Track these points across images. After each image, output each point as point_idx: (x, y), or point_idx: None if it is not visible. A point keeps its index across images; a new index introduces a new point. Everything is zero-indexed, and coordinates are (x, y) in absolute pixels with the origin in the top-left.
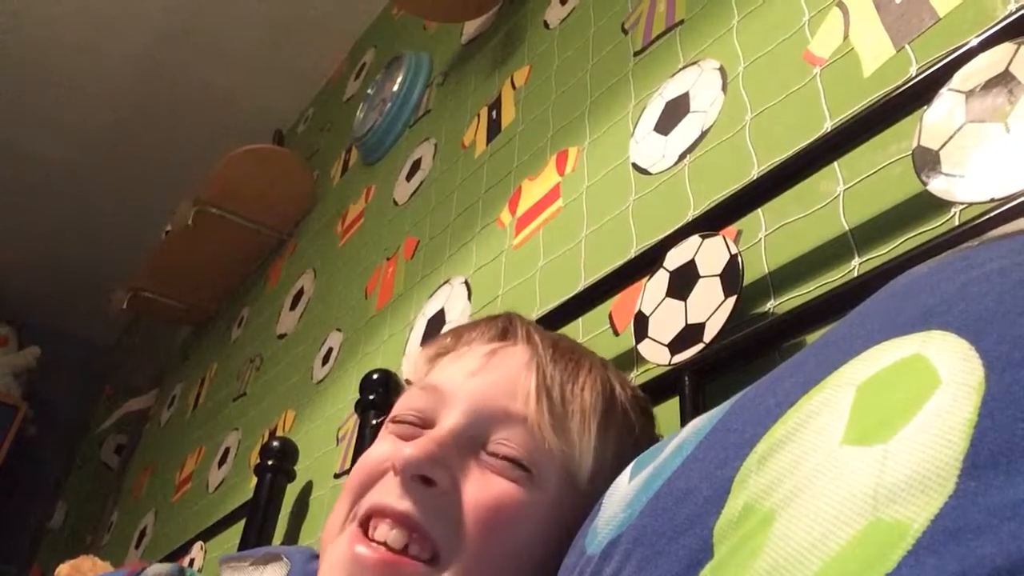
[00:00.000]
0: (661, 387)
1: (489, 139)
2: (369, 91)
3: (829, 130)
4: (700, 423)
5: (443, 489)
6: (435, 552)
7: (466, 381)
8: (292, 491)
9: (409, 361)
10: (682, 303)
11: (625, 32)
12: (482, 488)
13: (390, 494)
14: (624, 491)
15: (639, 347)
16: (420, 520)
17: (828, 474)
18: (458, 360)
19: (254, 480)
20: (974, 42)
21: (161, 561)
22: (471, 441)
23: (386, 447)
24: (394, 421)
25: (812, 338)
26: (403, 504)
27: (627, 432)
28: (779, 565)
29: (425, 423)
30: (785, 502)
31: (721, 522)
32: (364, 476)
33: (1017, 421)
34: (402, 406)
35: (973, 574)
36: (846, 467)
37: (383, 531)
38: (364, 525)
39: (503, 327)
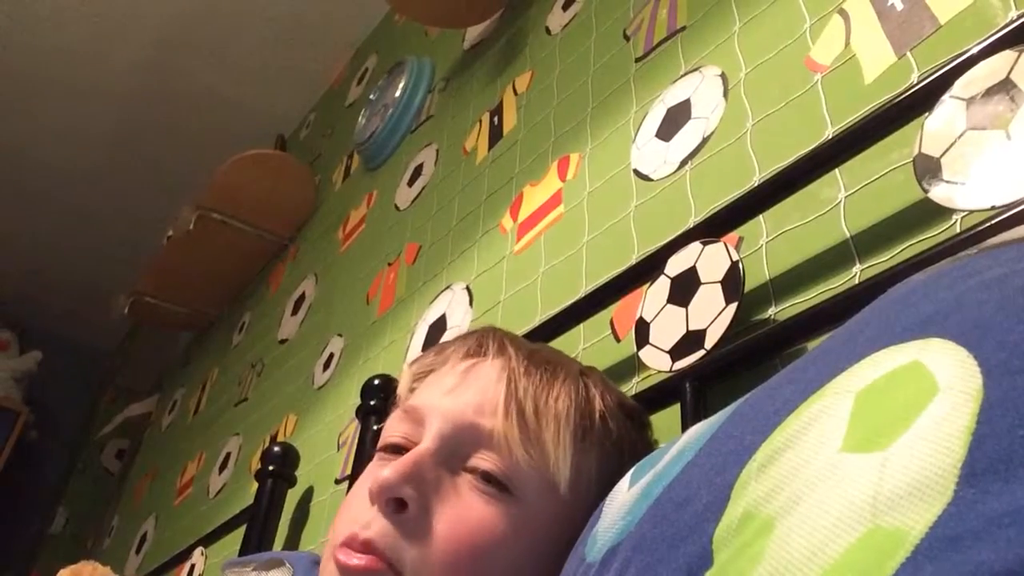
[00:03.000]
0: (662, 394)
1: (491, 145)
2: (371, 97)
3: (830, 137)
4: (700, 430)
5: (414, 514)
6: (398, 573)
7: (440, 400)
8: (293, 496)
9: (401, 377)
10: (683, 310)
11: (627, 38)
12: (456, 509)
13: (358, 523)
14: (624, 498)
15: (640, 354)
16: (383, 548)
17: (827, 481)
18: (437, 379)
19: (255, 485)
20: (975, 49)
21: (162, 566)
22: (448, 458)
23: (371, 472)
24: (383, 447)
25: (813, 345)
26: (367, 532)
27: (607, 438)
28: (778, 572)
29: (410, 444)
30: (784, 509)
31: (720, 529)
32: (351, 503)
33: (1015, 428)
34: (388, 430)
35: None
36: (845, 474)
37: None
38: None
39: (479, 341)
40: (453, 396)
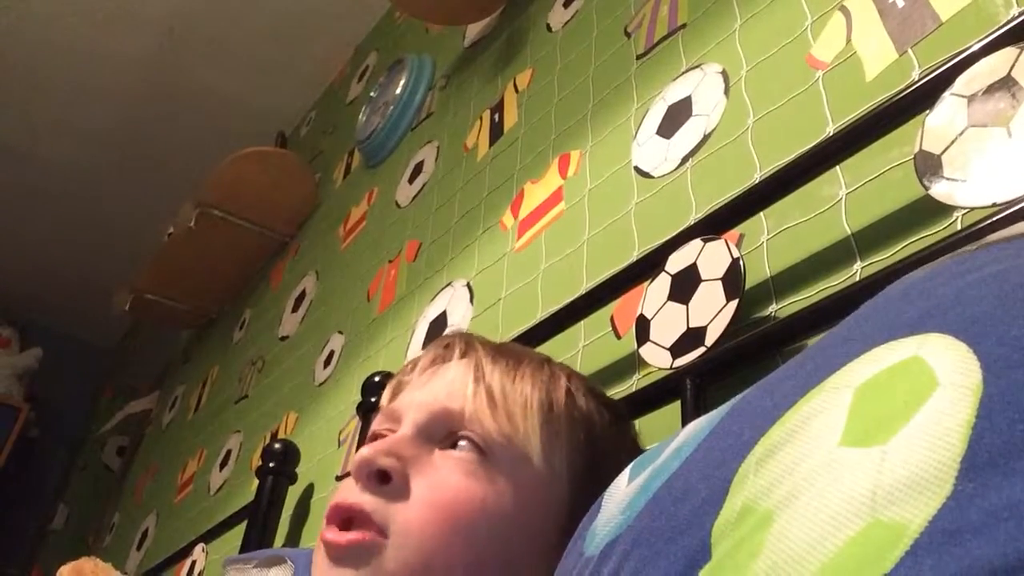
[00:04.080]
0: (663, 391)
1: (492, 142)
2: (372, 94)
3: (831, 134)
4: (699, 425)
5: (397, 483)
6: (385, 535)
7: (413, 396)
8: (294, 493)
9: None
10: (684, 307)
11: (628, 36)
12: (434, 476)
13: (344, 492)
14: (623, 493)
15: (641, 351)
16: (370, 511)
17: (826, 475)
18: (411, 383)
19: (256, 482)
20: (976, 47)
21: (163, 562)
22: (423, 441)
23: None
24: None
25: (814, 342)
26: (354, 497)
27: (576, 413)
28: (777, 566)
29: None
30: (783, 503)
31: (719, 523)
32: (338, 493)
33: (1015, 423)
34: (371, 431)
35: (970, 575)
36: (844, 468)
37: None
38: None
39: (447, 344)
40: (424, 390)
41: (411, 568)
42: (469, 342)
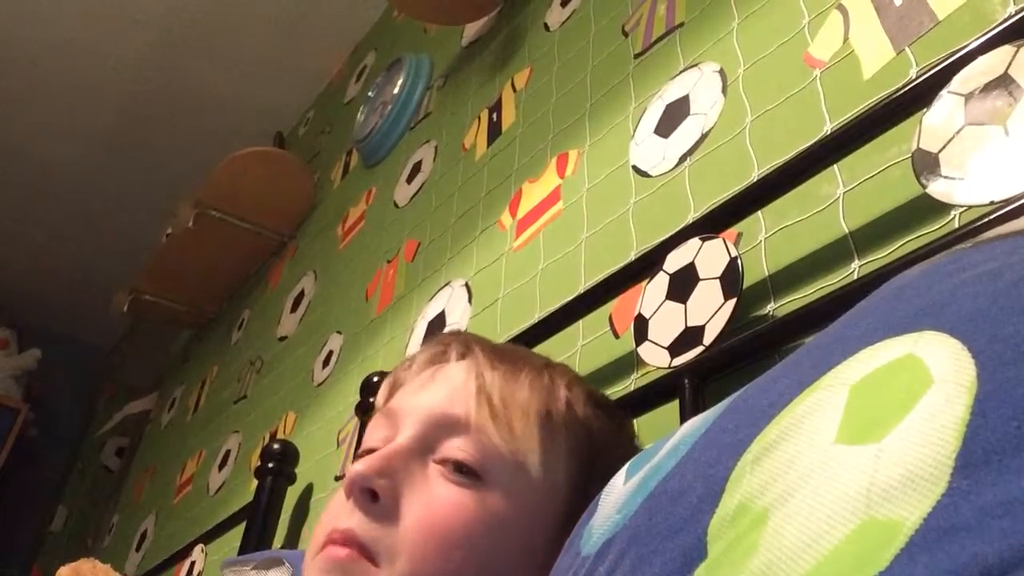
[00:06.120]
0: (661, 390)
1: (490, 142)
2: (370, 93)
3: (829, 132)
4: (695, 424)
5: (386, 504)
6: (376, 563)
7: (412, 399)
8: (293, 494)
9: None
10: (682, 306)
11: (625, 35)
12: (426, 497)
13: (339, 517)
14: (619, 492)
15: (639, 350)
16: (360, 534)
17: (822, 473)
18: (409, 384)
19: (255, 483)
20: (973, 45)
21: (162, 563)
22: (421, 451)
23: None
24: (362, 454)
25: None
26: (346, 522)
27: (575, 423)
28: (773, 564)
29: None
30: (779, 501)
31: (715, 521)
32: (331, 505)
33: (1009, 420)
34: (367, 437)
35: (965, 572)
36: (839, 466)
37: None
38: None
39: (444, 345)
40: (424, 393)
41: None
42: (467, 343)
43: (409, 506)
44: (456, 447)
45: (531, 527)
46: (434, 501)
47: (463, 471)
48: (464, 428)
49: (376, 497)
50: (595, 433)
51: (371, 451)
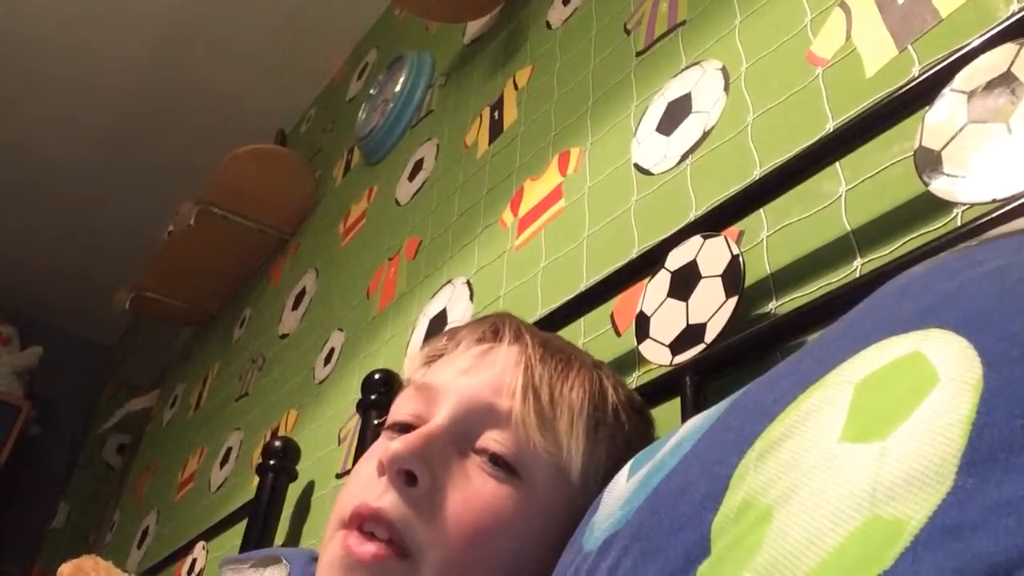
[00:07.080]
0: (662, 388)
1: (491, 139)
2: (371, 91)
3: (831, 130)
4: (698, 421)
5: (424, 489)
6: (407, 552)
7: (456, 379)
8: (294, 491)
9: (408, 361)
10: (683, 304)
11: (627, 32)
12: (465, 490)
13: (372, 493)
14: (622, 489)
15: (640, 348)
16: (394, 519)
17: (826, 471)
18: (451, 361)
19: (256, 480)
20: (976, 43)
21: (164, 560)
22: (459, 438)
23: (379, 448)
24: (391, 425)
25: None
26: (380, 501)
27: (619, 431)
28: (777, 561)
29: (420, 423)
30: (783, 499)
31: (719, 518)
32: (357, 477)
33: (1015, 418)
34: (398, 408)
35: (970, 571)
36: (844, 464)
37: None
38: (358, 527)
39: (495, 327)
40: (469, 376)
41: None
42: (519, 330)
43: (448, 498)
44: (495, 439)
45: (564, 529)
46: (475, 497)
47: (499, 464)
48: (506, 421)
49: (414, 480)
50: (633, 439)
51: (401, 424)
